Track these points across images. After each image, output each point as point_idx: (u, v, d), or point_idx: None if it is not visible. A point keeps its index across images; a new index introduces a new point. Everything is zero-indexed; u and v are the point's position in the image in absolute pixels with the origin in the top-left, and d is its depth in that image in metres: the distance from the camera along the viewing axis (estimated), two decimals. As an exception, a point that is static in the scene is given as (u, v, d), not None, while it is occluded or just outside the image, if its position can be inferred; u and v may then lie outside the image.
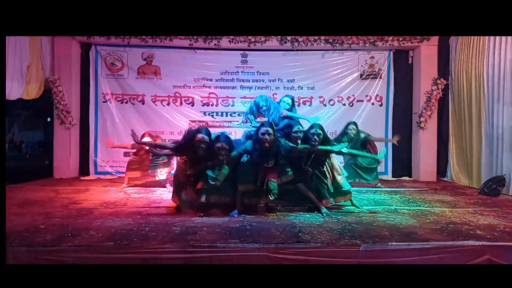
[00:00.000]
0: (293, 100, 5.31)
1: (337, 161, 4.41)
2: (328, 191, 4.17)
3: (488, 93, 5.96)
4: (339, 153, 4.24)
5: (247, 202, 4.02)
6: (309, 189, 4.11)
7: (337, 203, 4.30)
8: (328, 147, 4.13)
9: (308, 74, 7.46)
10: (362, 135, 5.92)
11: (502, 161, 5.62)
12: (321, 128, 4.13)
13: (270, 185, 3.91)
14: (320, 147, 4.05)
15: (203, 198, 3.88)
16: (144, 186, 5.91)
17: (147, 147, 5.29)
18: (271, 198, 3.97)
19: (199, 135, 3.83)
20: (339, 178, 4.26)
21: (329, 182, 4.20)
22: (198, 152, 3.84)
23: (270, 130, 3.86)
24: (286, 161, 4.02)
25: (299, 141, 4.08)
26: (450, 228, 3.42)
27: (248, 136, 4.36)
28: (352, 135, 5.82)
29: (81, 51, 7.23)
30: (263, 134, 3.84)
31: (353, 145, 5.76)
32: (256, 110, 5.13)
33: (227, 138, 3.92)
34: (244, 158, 4.01)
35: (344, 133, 5.87)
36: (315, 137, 4.02)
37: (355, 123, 5.99)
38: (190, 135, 3.93)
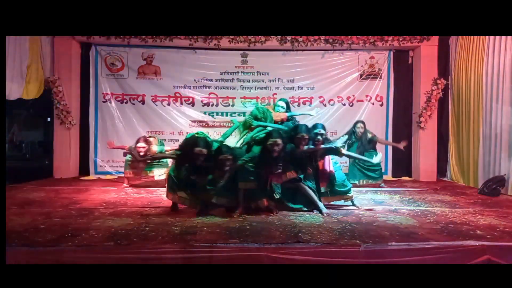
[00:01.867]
0: (287, 104, 5.11)
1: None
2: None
3: (487, 93, 5.96)
4: (336, 153, 4.20)
5: (251, 204, 4.02)
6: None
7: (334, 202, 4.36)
8: (330, 145, 4.17)
9: (308, 74, 7.45)
10: (369, 135, 5.98)
11: (500, 161, 5.63)
12: (324, 128, 4.19)
13: (274, 187, 3.99)
14: (322, 146, 4.09)
15: (214, 199, 3.94)
16: (144, 186, 5.91)
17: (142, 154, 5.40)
18: (276, 197, 4.04)
19: (197, 149, 3.72)
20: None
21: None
22: (197, 163, 3.78)
23: (279, 141, 3.82)
24: (290, 163, 4.03)
25: (304, 145, 4.07)
26: (450, 228, 3.42)
27: (249, 143, 4.34)
28: (360, 134, 5.91)
29: (81, 51, 7.24)
30: (271, 145, 3.81)
31: (361, 144, 5.87)
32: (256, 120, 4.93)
33: (229, 148, 3.93)
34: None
35: (352, 131, 5.98)
36: (319, 137, 4.07)
37: (363, 122, 6.09)
38: (188, 148, 3.84)
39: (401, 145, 6.18)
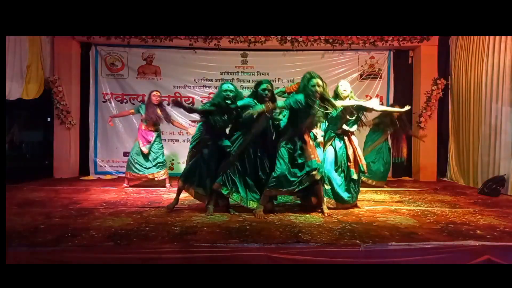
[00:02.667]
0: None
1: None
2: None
3: (487, 93, 5.96)
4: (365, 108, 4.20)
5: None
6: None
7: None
8: (362, 102, 4.22)
9: (308, 74, 7.45)
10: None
11: (500, 161, 5.62)
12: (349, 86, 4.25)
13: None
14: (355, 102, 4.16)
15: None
16: (144, 186, 5.91)
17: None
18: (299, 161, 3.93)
19: (224, 86, 3.94)
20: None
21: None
22: (227, 106, 3.88)
23: (320, 82, 3.76)
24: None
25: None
26: (450, 228, 3.42)
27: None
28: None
29: (81, 51, 7.24)
30: (314, 86, 3.72)
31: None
32: None
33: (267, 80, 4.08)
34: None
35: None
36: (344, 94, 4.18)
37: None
38: (218, 94, 4.00)
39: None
